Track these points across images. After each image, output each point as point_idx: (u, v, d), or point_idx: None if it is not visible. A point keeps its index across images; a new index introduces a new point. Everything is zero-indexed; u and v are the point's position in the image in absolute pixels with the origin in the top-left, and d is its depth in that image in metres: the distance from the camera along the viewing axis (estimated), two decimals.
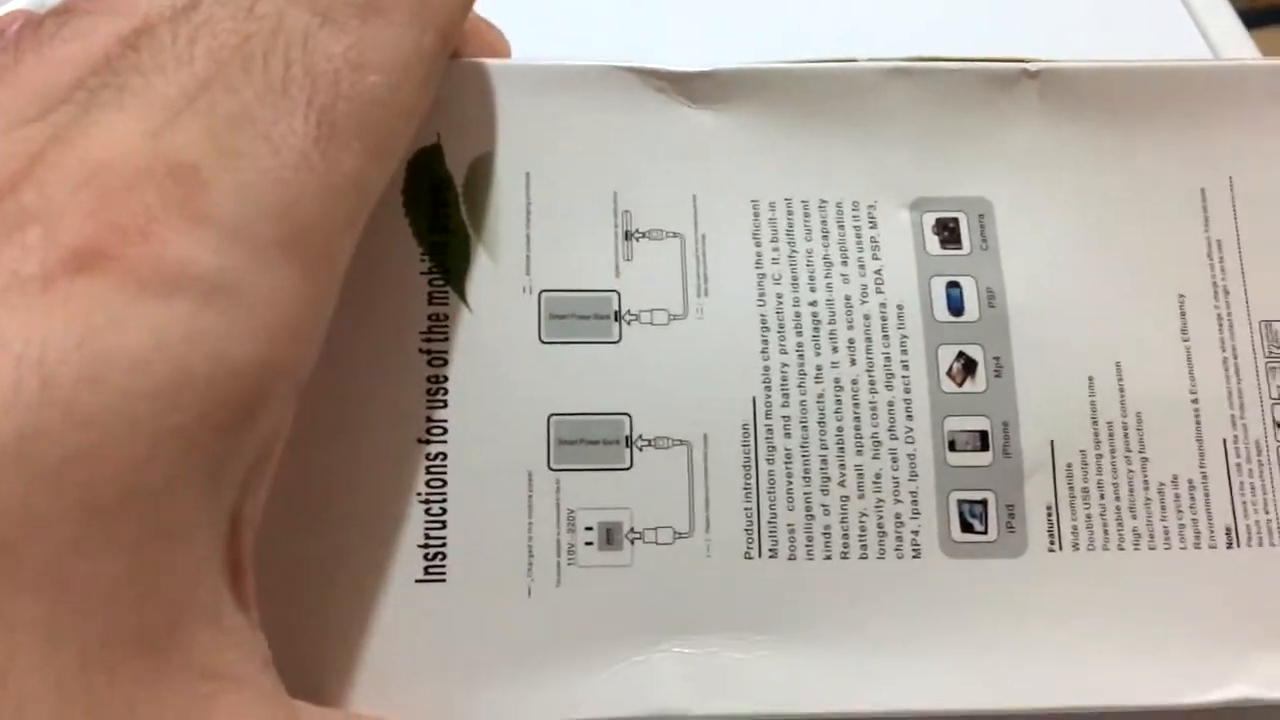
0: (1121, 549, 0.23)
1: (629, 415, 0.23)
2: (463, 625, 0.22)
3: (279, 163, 0.17)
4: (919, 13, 0.35)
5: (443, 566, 0.23)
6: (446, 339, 0.23)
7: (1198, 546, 0.23)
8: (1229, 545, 0.23)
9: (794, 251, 0.24)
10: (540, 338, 0.24)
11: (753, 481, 0.23)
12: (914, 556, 0.23)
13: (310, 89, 0.17)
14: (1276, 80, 0.25)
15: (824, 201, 0.24)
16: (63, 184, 0.16)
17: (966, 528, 0.23)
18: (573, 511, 0.23)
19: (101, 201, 0.16)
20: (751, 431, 0.23)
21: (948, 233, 0.25)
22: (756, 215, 0.24)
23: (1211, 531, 0.23)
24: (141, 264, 0.16)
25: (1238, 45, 0.34)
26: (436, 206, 0.24)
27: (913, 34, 0.34)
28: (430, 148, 0.24)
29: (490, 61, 0.24)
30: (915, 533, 0.23)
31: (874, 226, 0.24)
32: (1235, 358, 0.24)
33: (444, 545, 0.23)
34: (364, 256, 0.23)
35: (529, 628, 0.22)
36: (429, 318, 0.24)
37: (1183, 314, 0.24)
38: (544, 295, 0.24)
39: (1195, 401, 0.24)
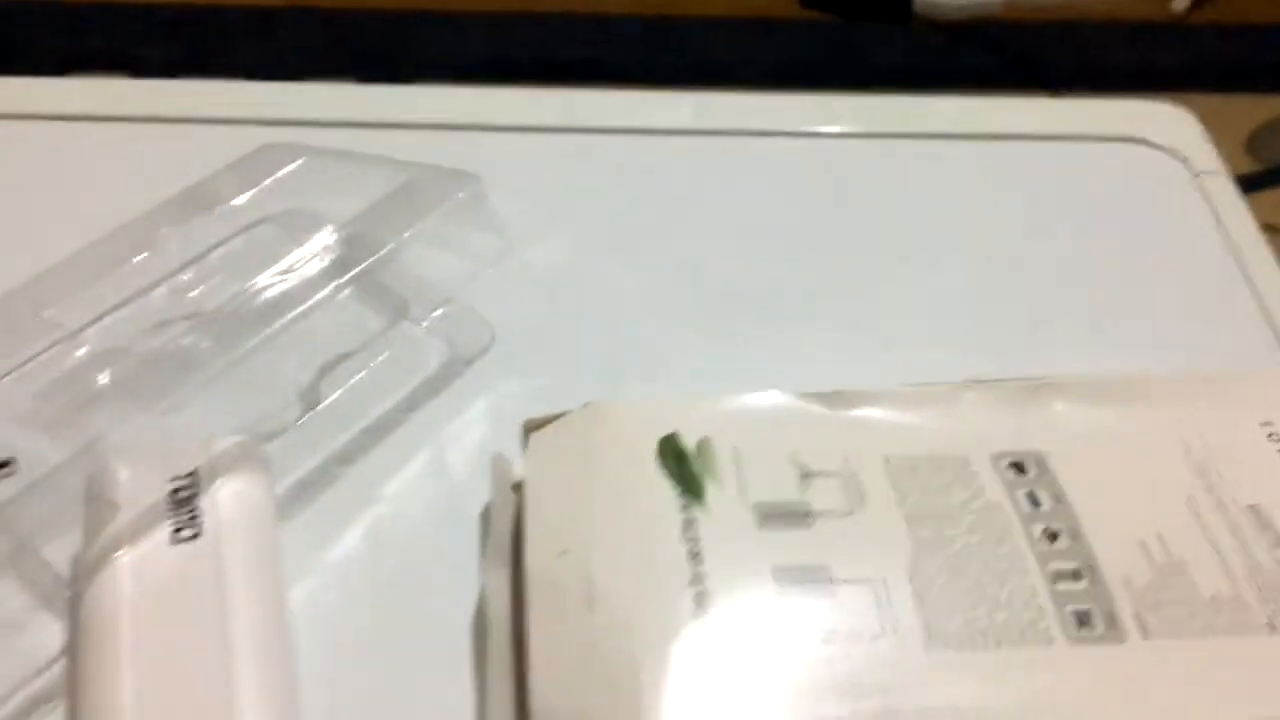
0: (1198, 637, 0.33)
1: (828, 565, 0.34)
2: (736, 696, 0.31)
3: None
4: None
5: (718, 657, 0.32)
6: (697, 531, 0.35)
7: (1244, 634, 0.33)
8: (1270, 633, 0.33)
9: (917, 478, 0.37)
10: (759, 526, 0.35)
11: (922, 603, 0.33)
12: (1047, 644, 0.32)
13: None
14: (1220, 384, 0.40)
15: (933, 455, 0.37)
16: None
17: (1082, 625, 0.33)
18: (801, 623, 0.33)
19: None
20: (916, 574, 0.34)
21: (1018, 468, 0.37)
22: (889, 463, 0.37)
23: (1253, 623, 0.33)
24: None
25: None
26: (680, 463, 0.37)
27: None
28: (669, 435, 0.38)
29: (702, 397, 0.39)
30: (1046, 628, 0.33)
31: (967, 466, 0.37)
32: (1237, 528, 0.35)
33: (715, 647, 0.32)
34: (636, 492, 0.35)
35: (786, 695, 0.31)
36: (683, 519, 0.35)
37: (1193, 509, 0.36)
38: (756, 504, 0.36)
39: (1219, 552, 0.35)
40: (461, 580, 0.38)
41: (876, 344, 0.46)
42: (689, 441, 0.38)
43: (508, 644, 0.35)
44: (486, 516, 0.39)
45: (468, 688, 0.35)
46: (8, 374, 0.41)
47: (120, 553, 0.34)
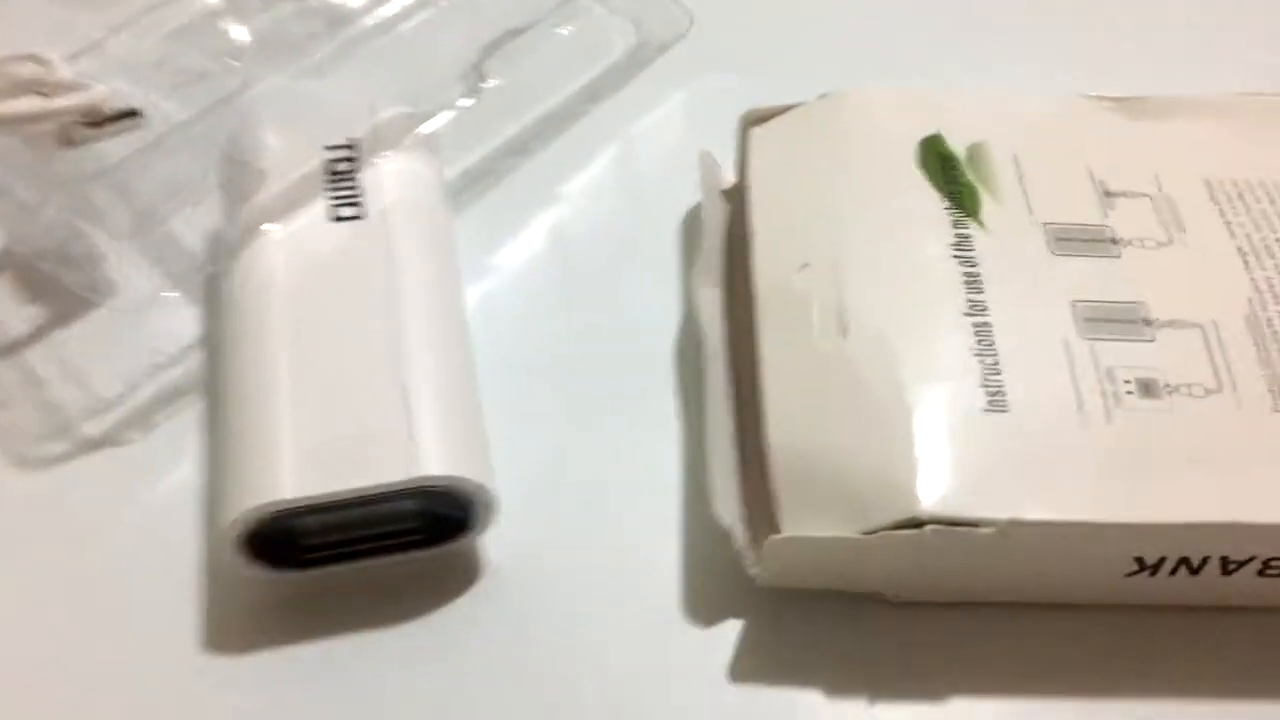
0: None
1: (1143, 302, 0.27)
2: (1025, 446, 0.25)
3: None
4: None
5: (1003, 401, 0.25)
6: (972, 249, 0.28)
7: None
8: None
9: (1249, 209, 0.29)
10: (1051, 251, 0.28)
11: (1265, 355, 0.26)
12: None
13: None
14: None
15: (1266, 181, 0.29)
16: None
17: None
18: (1111, 369, 0.26)
19: None
20: (1255, 321, 0.27)
21: None
22: (1210, 188, 0.29)
23: None
24: None
25: None
26: (947, 170, 0.29)
27: None
28: (933, 136, 0.30)
29: (971, 94, 0.31)
30: None
31: None
32: None
33: (1001, 386, 0.25)
34: (893, 198, 0.28)
35: (1085, 450, 0.25)
36: (955, 235, 0.28)
37: None
38: (1047, 225, 0.28)
39: None
40: (661, 293, 0.32)
41: (1187, 49, 0.37)
42: (958, 145, 0.30)
43: (725, 372, 0.29)
44: (690, 223, 0.33)
45: (670, 417, 0.29)
46: (125, 22, 0.34)
47: (272, 226, 0.28)
